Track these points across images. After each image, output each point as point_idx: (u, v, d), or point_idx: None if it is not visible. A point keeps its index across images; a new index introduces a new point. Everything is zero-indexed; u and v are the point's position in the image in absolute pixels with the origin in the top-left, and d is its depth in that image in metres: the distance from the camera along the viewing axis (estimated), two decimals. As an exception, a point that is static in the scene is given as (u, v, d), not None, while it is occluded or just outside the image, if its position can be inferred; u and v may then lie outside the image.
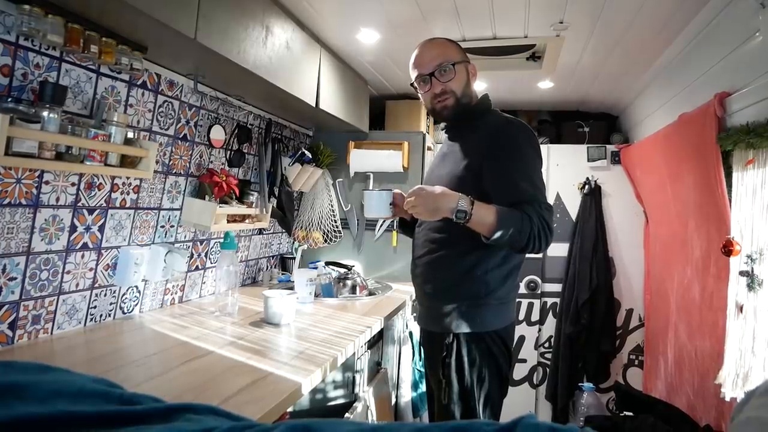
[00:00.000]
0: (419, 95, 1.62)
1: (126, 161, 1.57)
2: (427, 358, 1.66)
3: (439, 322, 1.50)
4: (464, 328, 1.46)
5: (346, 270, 2.57)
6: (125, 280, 1.68)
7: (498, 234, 1.32)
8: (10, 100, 1.24)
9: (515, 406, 2.99)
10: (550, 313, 3.28)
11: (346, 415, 1.79)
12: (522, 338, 3.28)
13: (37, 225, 1.38)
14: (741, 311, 1.72)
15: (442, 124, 1.69)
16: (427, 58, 1.54)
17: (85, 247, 1.55)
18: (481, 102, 1.61)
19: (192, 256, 2.10)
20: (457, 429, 0.40)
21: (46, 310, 1.44)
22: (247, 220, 2.25)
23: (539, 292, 3.27)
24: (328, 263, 2.66)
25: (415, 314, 2.72)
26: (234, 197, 2.16)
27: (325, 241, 2.98)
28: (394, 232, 2.95)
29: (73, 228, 1.50)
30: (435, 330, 1.53)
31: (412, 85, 1.61)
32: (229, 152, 2.27)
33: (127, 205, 1.71)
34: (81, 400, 0.46)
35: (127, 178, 1.68)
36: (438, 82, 1.52)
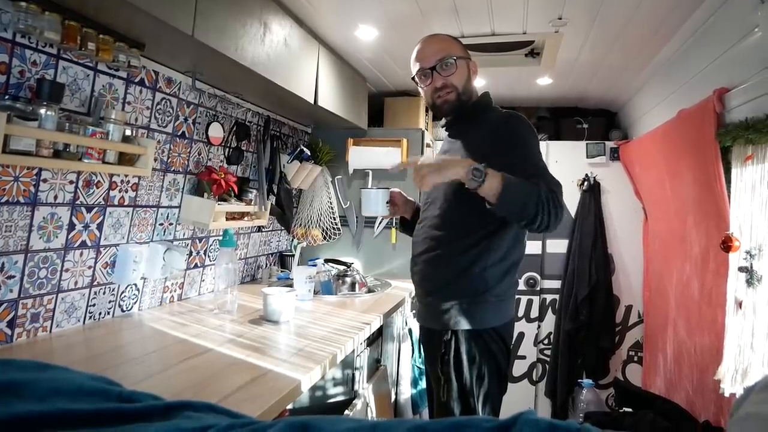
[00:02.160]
0: (420, 89, 1.62)
1: (124, 159, 1.56)
2: (426, 356, 1.66)
3: (438, 319, 1.51)
4: (463, 326, 1.46)
5: (345, 267, 2.57)
6: (124, 277, 1.68)
7: (505, 198, 1.27)
8: (7, 97, 1.24)
9: (515, 403, 2.99)
10: (550, 310, 3.28)
11: (346, 412, 1.79)
12: (521, 335, 3.28)
13: (35, 223, 1.38)
14: (740, 307, 1.72)
15: (443, 121, 1.69)
16: (429, 52, 1.54)
17: (83, 245, 1.55)
18: (482, 99, 1.62)
19: (191, 253, 2.09)
20: (456, 425, 0.40)
21: (44, 308, 1.44)
22: (245, 218, 2.25)
23: (538, 288, 3.28)
24: (327, 260, 2.66)
25: (414, 311, 2.72)
26: (233, 195, 2.16)
27: (324, 238, 2.98)
28: (393, 229, 2.95)
29: (71, 226, 1.50)
30: (434, 327, 1.53)
31: (413, 79, 1.61)
32: (227, 150, 2.26)
33: (126, 203, 1.71)
34: (80, 397, 0.46)
35: (126, 175, 1.68)
36: (439, 76, 1.53)
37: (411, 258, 1.66)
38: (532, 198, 1.28)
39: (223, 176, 2.06)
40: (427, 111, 3.32)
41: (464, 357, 1.45)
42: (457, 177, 1.30)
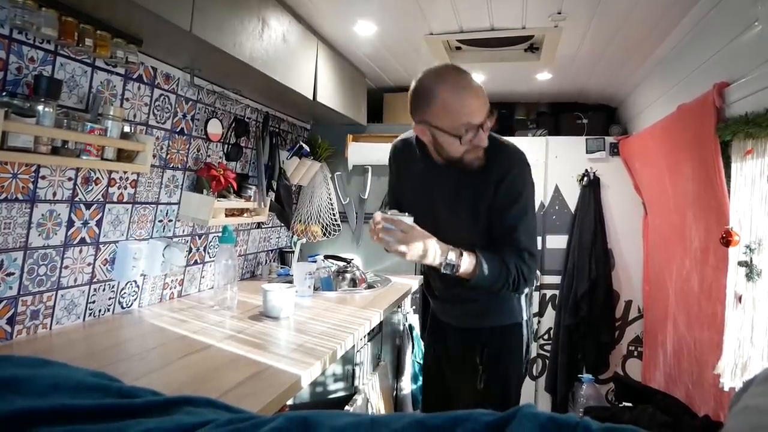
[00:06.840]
0: (450, 140, 1.39)
1: (123, 155, 1.56)
2: (459, 350, 1.66)
3: (476, 320, 1.59)
4: (500, 321, 1.57)
5: (345, 263, 2.57)
6: (124, 274, 1.68)
7: (477, 282, 1.43)
8: (4, 94, 1.23)
9: (514, 398, 3.00)
10: (550, 305, 3.29)
11: (346, 407, 1.79)
12: (521, 330, 3.28)
13: (34, 220, 1.38)
14: (740, 301, 1.72)
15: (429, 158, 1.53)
16: (477, 106, 1.38)
17: (83, 242, 1.55)
18: None
19: (190, 250, 2.09)
20: (455, 419, 0.40)
21: (44, 306, 1.44)
22: (245, 214, 2.25)
23: (538, 284, 3.27)
24: (327, 257, 2.66)
25: (414, 308, 2.72)
26: (232, 191, 2.16)
27: (324, 234, 2.98)
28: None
29: (70, 223, 1.50)
30: (470, 326, 1.61)
31: (458, 135, 1.37)
32: (226, 146, 2.26)
33: (125, 200, 1.70)
34: (80, 393, 0.46)
35: (124, 172, 1.67)
36: (483, 133, 1.39)
37: (435, 276, 1.65)
38: (500, 280, 1.42)
39: (222, 173, 2.06)
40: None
41: (501, 348, 1.57)
42: (429, 263, 1.43)
